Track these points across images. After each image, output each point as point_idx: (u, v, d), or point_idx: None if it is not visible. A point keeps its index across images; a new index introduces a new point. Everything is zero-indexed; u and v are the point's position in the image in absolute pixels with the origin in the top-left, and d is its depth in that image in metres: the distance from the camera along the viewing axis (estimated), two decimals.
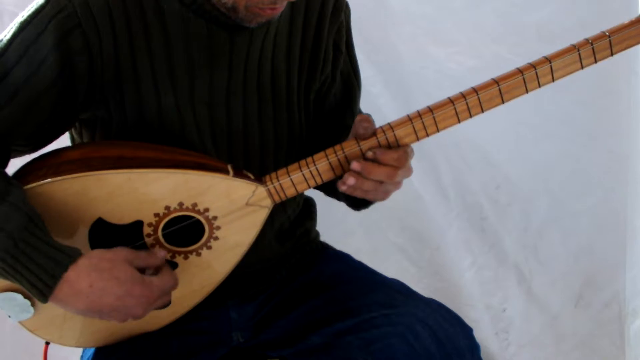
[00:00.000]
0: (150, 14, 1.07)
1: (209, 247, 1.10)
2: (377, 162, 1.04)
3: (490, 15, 1.86)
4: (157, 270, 1.04)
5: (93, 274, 0.95)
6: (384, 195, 1.11)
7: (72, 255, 0.94)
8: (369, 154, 1.04)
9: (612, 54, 1.02)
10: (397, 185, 1.09)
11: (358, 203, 1.22)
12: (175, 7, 1.07)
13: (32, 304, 1.03)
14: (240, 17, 1.05)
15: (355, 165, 1.03)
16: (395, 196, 1.96)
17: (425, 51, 1.89)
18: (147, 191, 1.03)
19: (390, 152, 1.04)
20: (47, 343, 1.14)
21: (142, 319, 1.10)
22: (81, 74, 1.04)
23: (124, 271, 0.97)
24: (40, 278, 0.92)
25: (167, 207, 1.05)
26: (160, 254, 1.05)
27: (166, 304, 1.06)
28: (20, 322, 1.05)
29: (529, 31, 1.84)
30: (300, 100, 1.22)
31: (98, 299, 0.95)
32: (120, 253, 0.99)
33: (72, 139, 1.22)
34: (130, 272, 0.98)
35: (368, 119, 1.05)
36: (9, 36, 1.03)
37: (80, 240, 1.04)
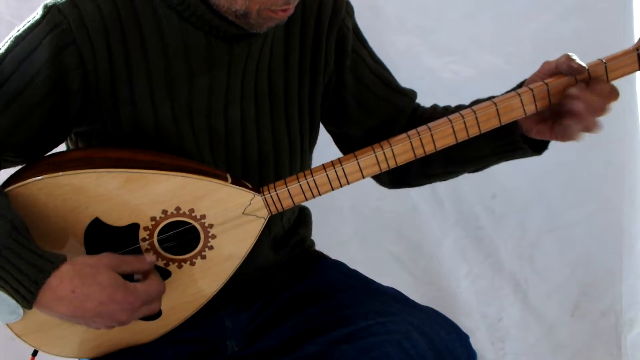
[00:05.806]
0: (147, 28, 1.06)
1: (204, 257, 1.10)
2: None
3: (486, 25, 1.86)
4: (145, 276, 1.04)
5: (75, 280, 0.94)
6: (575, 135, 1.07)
7: (55, 262, 0.94)
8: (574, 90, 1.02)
9: (608, 82, 1.04)
10: (597, 125, 1.05)
11: (539, 146, 1.18)
12: (173, 20, 1.07)
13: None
14: (251, 23, 1.04)
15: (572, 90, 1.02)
16: (391, 206, 1.99)
17: (420, 61, 1.90)
18: (145, 192, 1.03)
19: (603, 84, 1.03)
20: (35, 354, 1.13)
21: (133, 331, 1.10)
22: (75, 90, 1.04)
23: (106, 277, 0.97)
24: (23, 284, 0.92)
25: (164, 211, 1.05)
26: (148, 259, 1.04)
27: (156, 312, 1.05)
28: (8, 326, 1.04)
29: (524, 41, 1.85)
30: (302, 109, 1.22)
31: (81, 304, 0.95)
32: (104, 259, 0.99)
33: (68, 149, 1.21)
34: (114, 277, 0.97)
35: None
36: (3, 50, 1.03)
37: (76, 240, 1.04)
